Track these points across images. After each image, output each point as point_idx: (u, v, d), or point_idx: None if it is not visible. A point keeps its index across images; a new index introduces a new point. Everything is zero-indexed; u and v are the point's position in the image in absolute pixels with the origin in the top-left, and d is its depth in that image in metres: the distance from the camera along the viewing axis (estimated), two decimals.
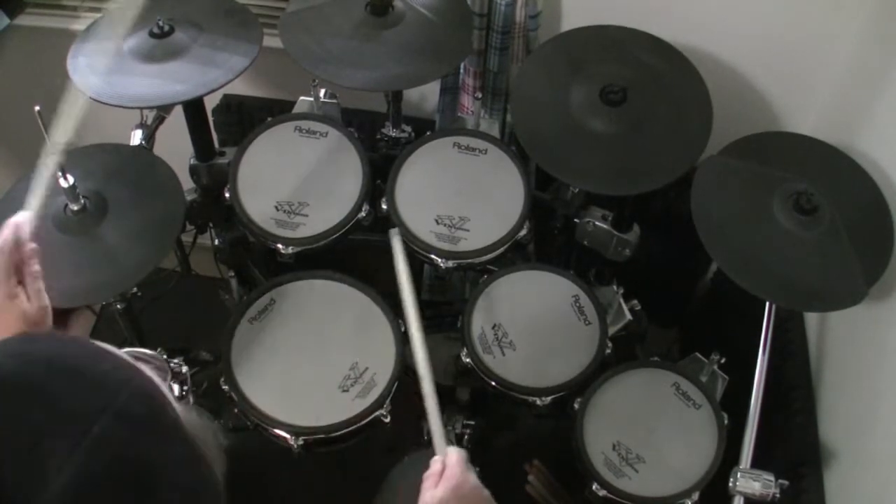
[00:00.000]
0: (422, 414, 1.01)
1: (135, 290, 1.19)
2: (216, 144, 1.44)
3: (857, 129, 1.30)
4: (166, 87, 1.20)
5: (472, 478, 0.96)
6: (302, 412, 1.12)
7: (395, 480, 1.18)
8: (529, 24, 1.38)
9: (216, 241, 1.47)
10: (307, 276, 1.24)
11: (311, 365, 1.17)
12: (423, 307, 1.51)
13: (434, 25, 1.29)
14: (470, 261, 1.23)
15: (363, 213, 1.25)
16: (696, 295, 1.44)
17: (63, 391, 0.49)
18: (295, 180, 1.27)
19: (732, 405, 1.17)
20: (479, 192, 1.27)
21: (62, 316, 0.92)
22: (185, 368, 1.13)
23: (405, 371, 1.18)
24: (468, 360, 1.18)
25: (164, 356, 1.16)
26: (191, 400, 1.10)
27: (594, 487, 1.12)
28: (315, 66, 1.24)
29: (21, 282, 0.85)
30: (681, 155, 1.19)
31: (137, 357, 1.11)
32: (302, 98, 1.40)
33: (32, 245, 0.87)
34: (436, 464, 0.98)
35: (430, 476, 0.97)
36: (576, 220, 1.36)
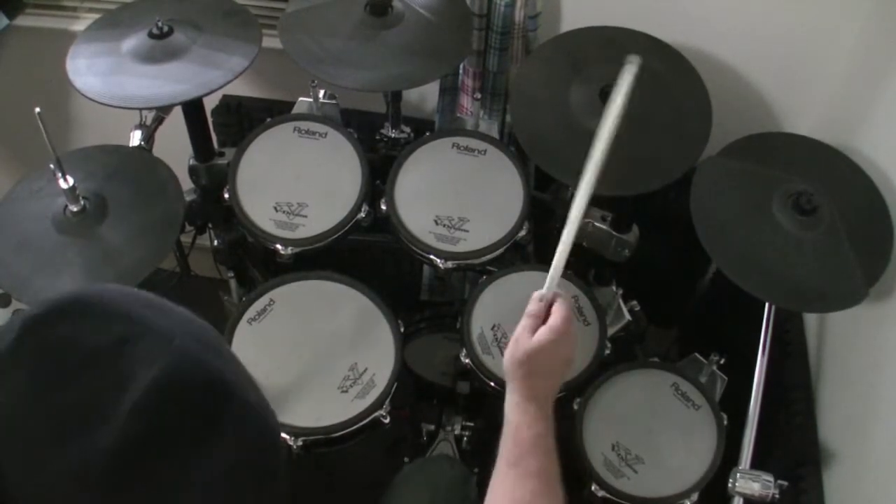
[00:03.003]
0: (422, 414, 1.01)
1: None
2: (215, 145, 1.44)
3: (856, 129, 1.30)
4: (165, 87, 1.20)
5: (574, 340, 0.98)
6: (301, 413, 1.12)
7: (396, 487, 1.17)
8: (529, 24, 1.38)
9: (215, 242, 1.47)
10: (306, 277, 1.24)
11: (310, 365, 1.16)
12: (423, 307, 1.52)
13: (433, 26, 1.29)
14: (469, 261, 1.23)
15: (362, 214, 1.25)
16: (695, 295, 1.44)
17: (142, 311, 0.53)
18: (294, 181, 1.27)
19: (732, 406, 1.17)
20: (479, 192, 1.27)
21: None
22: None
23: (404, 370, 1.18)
24: (467, 360, 1.18)
25: None
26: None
27: (593, 488, 1.12)
28: (314, 66, 1.24)
29: None
30: (680, 155, 1.19)
31: None
32: (301, 99, 1.40)
33: None
34: (538, 303, 0.98)
35: (530, 315, 0.97)
36: None
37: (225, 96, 1.68)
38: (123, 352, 0.50)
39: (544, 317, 0.97)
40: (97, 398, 0.48)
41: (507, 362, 0.96)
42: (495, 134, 1.37)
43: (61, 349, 0.50)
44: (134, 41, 1.25)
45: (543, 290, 1.00)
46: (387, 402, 1.15)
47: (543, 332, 0.94)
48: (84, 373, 0.49)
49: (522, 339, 0.95)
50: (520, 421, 0.91)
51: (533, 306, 0.98)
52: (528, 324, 0.96)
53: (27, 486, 0.47)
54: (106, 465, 0.47)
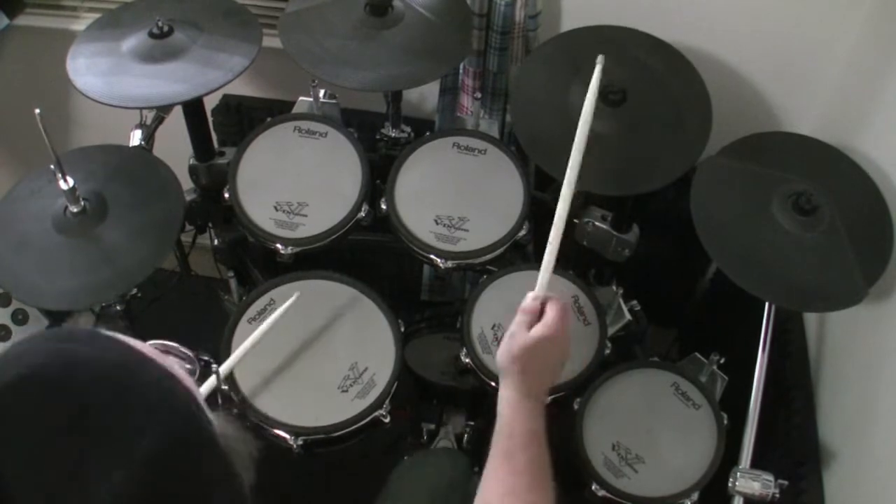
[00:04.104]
0: (421, 414, 1.01)
1: (134, 290, 1.19)
2: (215, 145, 1.44)
3: (856, 129, 1.30)
4: (166, 87, 1.20)
5: (568, 337, 0.97)
6: (301, 412, 1.12)
7: (395, 482, 1.18)
8: (529, 24, 1.38)
9: (215, 242, 1.47)
10: (307, 277, 1.24)
11: (311, 365, 1.17)
12: (423, 307, 1.52)
13: (433, 26, 1.29)
14: (469, 261, 1.23)
15: (363, 214, 1.25)
16: (695, 295, 1.44)
17: (107, 404, 0.48)
18: (294, 180, 1.27)
19: (732, 405, 1.17)
20: (479, 192, 1.27)
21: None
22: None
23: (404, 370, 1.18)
24: (468, 360, 1.18)
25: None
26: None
27: (594, 487, 1.12)
28: (314, 66, 1.24)
29: None
30: (680, 155, 1.19)
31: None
32: (301, 98, 1.40)
33: None
34: (534, 301, 0.98)
35: (525, 311, 0.97)
36: (575, 220, 1.36)
37: (225, 96, 1.68)
38: (84, 462, 0.46)
39: (539, 313, 0.97)
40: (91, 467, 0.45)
41: (501, 357, 0.96)
42: (495, 133, 1.37)
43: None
44: (134, 41, 1.25)
45: (536, 291, 1.01)
46: (387, 401, 1.15)
47: (539, 328, 0.94)
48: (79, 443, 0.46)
49: (518, 334, 0.94)
50: (513, 416, 0.90)
51: (528, 303, 0.99)
52: (524, 320, 0.96)
53: None
54: None
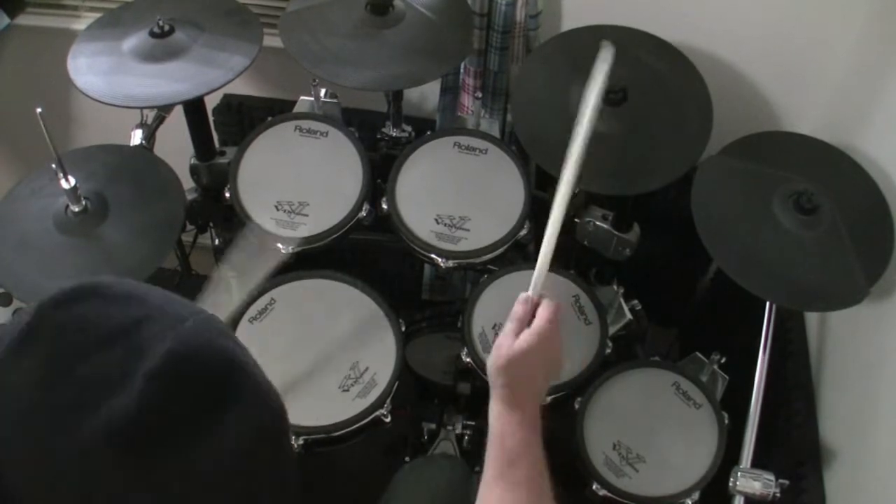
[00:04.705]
0: (422, 414, 1.01)
1: None
2: (216, 144, 1.44)
3: (857, 129, 1.30)
4: (167, 86, 1.20)
5: (559, 340, 0.94)
6: (302, 412, 1.12)
7: (396, 486, 1.17)
8: (530, 23, 1.38)
9: (216, 241, 1.47)
10: (307, 276, 1.24)
11: (311, 365, 1.16)
12: (424, 306, 1.52)
13: (434, 25, 1.29)
14: (470, 260, 1.23)
15: (363, 213, 1.25)
16: (696, 294, 1.44)
17: (155, 298, 0.55)
18: (295, 180, 1.27)
19: (733, 405, 1.17)
20: (480, 191, 1.27)
21: None
22: None
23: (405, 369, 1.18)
24: (468, 359, 1.18)
25: None
26: None
27: (594, 487, 1.12)
28: (315, 65, 1.24)
29: None
30: (681, 155, 1.19)
31: None
32: (302, 98, 1.40)
33: None
34: (523, 305, 0.94)
35: (513, 318, 0.93)
36: (576, 219, 1.36)
37: (226, 95, 1.68)
38: (138, 329, 0.51)
39: (529, 319, 0.94)
40: (111, 372, 0.49)
41: (489, 368, 0.92)
42: (496, 133, 1.37)
43: (78, 327, 0.51)
44: (135, 40, 1.25)
45: (529, 292, 0.97)
46: (388, 401, 1.15)
47: (526, 337, 0.90)
48: (101, 348, 0.50)
49: (504, 344, 0.91)
50: (504, 430, 0.88)
51: (518, 308, 0.95)
52: (511, 328, 0.92)
53: (41, 466, 0.48)
54: (119, 434, 0.48)
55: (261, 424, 0.55)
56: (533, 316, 0.94)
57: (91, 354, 0.50)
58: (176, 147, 1.37)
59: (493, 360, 0.91)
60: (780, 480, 1.04)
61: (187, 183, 1.34)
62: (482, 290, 1.23)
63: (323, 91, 1.37)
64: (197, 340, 0.53)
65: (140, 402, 0.48)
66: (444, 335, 1.40)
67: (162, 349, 0.50)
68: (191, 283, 1.54)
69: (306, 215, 1.24)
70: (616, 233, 1.34)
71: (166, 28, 1.24)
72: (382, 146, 1.45)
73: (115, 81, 1.21)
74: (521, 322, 0.93)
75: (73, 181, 1.10)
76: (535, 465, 0.87)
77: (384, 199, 1.26)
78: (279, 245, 1.22)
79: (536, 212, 1.28)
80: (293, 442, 1.11)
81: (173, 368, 0.50)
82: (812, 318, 1.39)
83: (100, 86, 1.19)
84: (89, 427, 0.48)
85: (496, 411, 0.89)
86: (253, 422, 0.54)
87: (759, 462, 1.06)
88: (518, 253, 1.33)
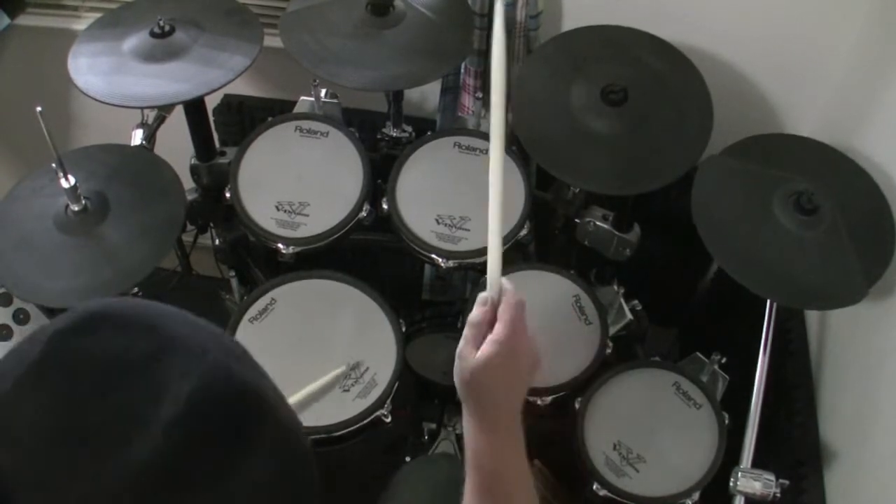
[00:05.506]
0: (422, 414, 1.01)
1: (135, 289, 1.19)
2: (217, 144, 1.44)
3: (857, 129, 1.30)
4: (167, 86, 1.20)
5: (527, 341, 0.82)
6: (302, 412, 1.12)
7: (396, 485, 1.17)
8: (530, 23, 1.38)
9: (217, 241, 1.47)
10: (307, 276, 1.24)
11: (312, 365, 1.17)
12: (424, 306, 1.52)
13: (435, 25, 1.29)
14: (471, 260, 1.23)
15: (364, 213, 1.25)
16: (696, 294, 1.44)
17: (171, 327, 0.52)
18: (296, 180, 1.27)
19: (733, 405, 1.17)
20: (480, 191, 1.27)
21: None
22: None
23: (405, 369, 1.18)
24: None
25: None
26: None
27: (595, 487, 1.12)
28: (316, 65, 1.24)
29: None
30: (681, 155, 1.19)
31: None
32: (302, 98, 1.40)
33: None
34: (481, 308, 0.83)
35: (472, 323, 0.82)
36: (576, 220, 1.36)
37: (226, 95, 1.68)
38: (155, 366, 0.49)
39: (491, 321, 0.83)
40: (130, 413, 0.47)
41: (455, 382, 0.82)
42: None
43: (90, 365, 0.48)
44: (135, 40, 1.25)
45: (486, 292, 0.85)
46: (388, 401, 1.15)
47: (487, 347, 0.79)
48: (115, 388, 0.48)
49: (464, 354, 0.81)
50: (479, 449, 0.80)
51: (475, 312, 0.83)
52: (470, 335, 0.82)
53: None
54: (141, 482, 0.46)
55: (283, 470, 0.53)
56: (495, 318, 0.83)
57: (108, 393, 0.47)
58: (176, 147, 1.37)
59: (457, 374, 0.82)
60: (781, 480, 1.04)
61: (187, 183, 1.34)
62: (482, 290, 1.23)
63: (323, 91, 1.37)
64: (218, 378, 0.50)
65: (165, 448, 0.46)
66: (444, 335, 1.40)
67: (184, 391, 0.48)
68: (191, 282, 1.55)
69: (306, 215, 1.24)
70: (616, 233, 1.34)
71: (167, 28, 1.24)
72: (383, 146, 1.45)
73: (116, 81, 1.21)
74: (479, 327, 0.82)
75: (72, 180, 1.10)
76: (518, 482, 0.81)
77: (384, 199, 1.26)
78: (280, 245, 1.22)
79: (537, 212, 1.28)
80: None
81: (198, 413, 0.48)
82: (812, 318, 1.39)
83: (100, 86, 1.19)
84: (108, 475, 0.45)
85: (468, 429, 0.82)
86: (276, 467, 0.52)
87: (759, 462, 1.06)
88: (518, 253, 1.33)
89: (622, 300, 1.31)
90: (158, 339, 0.50)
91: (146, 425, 0.46)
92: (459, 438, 1.46)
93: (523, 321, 0.83)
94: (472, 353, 0.80)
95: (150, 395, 0.47)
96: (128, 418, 0.47)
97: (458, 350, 0.82)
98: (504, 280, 0.84)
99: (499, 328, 0.81)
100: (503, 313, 0.82)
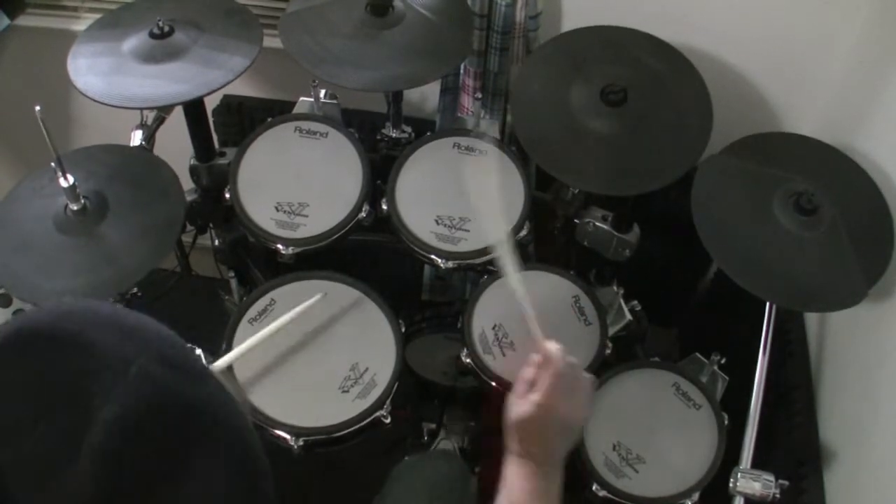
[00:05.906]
0: (422, 414, 1.00)
1: (135, 290, 1.19)
2: (216, 145, 1.44)
3: (857, 129, 1.30)
4: (166, 87, 1.20)
5: (568, 407, 0.89)
6: (302, 413, 1.12)
7: (393, 483, 1.17)
8: (530, 24, 1.38)
9: (216, 242, 1.47)
10: (307, 277, 1.24)
11: (311, 365, 1.16)
12: (424, 307, 1.52)
13: (434, 26, 1.29)
14: (470, 261, 1.23)
15: (363, 214, 1.25)
16: (696, 295, 1.44)
17: (98, 340, 0.50)
18: (295, 181, 1.27)
19: (732, 405, 1.17)
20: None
21: None
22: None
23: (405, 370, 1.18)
24: (468, 360, 1.18)
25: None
26: None
27: (594, 488, 1.12)
28: (315, 66, 1.24)
29: None
30: (681, 155, 1.19)
31: None
32: (302, 98, 1.40)
33: None
34: (530, 367, 0.91)
35: (521, 380, 0.91)
36: (576, 220, 1.36)
37: (226, 96, 1.68)
38: (84, 383, 0.47)
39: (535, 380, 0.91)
40: (58, 445, 0.46)
41: (507, 416, 0.91)
42: (496, 134, 1.37)
43: (22, 393, 0.47)
44: (135, 41, 1.25)
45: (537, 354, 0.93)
46: (388, 401, 1.15)
47: (528, 404, 0.88)
48: (48, 413, 0.46)
49: (512, 403, 0.90)
50: (516, 474, 0.88)
51: (526, 370, 0.93)
52: (519, 390, 0.91)
53: None
54: None
55: (228, 462, 0.51)
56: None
57: (39, 421, 0.46)
58: (176, 148, 1.37)
59: (507, 412, 0.90)
60: (780, 481, 1.04)
61: (187, 184, 1.34)
62: (482, 290, 1.23)
63: (323, 92, 1.37)
64: (144, 394, 0.48)
65: (92, 481, 0.45)
66: (444, 336, 1.40)
67: (107, 415, 0.46)
68: (190, 283, 1.55)
69: (306, 216, 1.24)
70: (616, 233, 1.34)
71: (166, 29, 1.24)
72: (382, 147, 1.45)
73: (115, 82, 1.21)
74: (526, 385, 0.91)
75: (71, 179, 1.10)
76: None
77: (384, 199, 1.26)
78: (279, 245, 1.22)
79: (536, 213, 1.28)
80: (294, 444, 1.11)
81: (121, 439, 0.46)
82: (812, 319, 1.39)
83: (100, 86, 1.19)
84: None
85: (509, 456, 0.90)
86: (219, 464, 0.50)
87: (759, 462, 1.06)
88: (518, 253, 1.33)
89: (622, 300, 1.31)
90: (85, 354, 0.48)
91: (76, 454, 0.45)
92: (459, 439, 1.47)
93: (566, 385, 0.90)
94: (518, 403, 0.89)
95: (77, 421, 0.46)
96: (54, 453, 0.45)
97: (509, 398, 0.91)
98: (553, 345, 0.92)
99: (537, 392, 0.88)
100: (543, 380, 0.89)
